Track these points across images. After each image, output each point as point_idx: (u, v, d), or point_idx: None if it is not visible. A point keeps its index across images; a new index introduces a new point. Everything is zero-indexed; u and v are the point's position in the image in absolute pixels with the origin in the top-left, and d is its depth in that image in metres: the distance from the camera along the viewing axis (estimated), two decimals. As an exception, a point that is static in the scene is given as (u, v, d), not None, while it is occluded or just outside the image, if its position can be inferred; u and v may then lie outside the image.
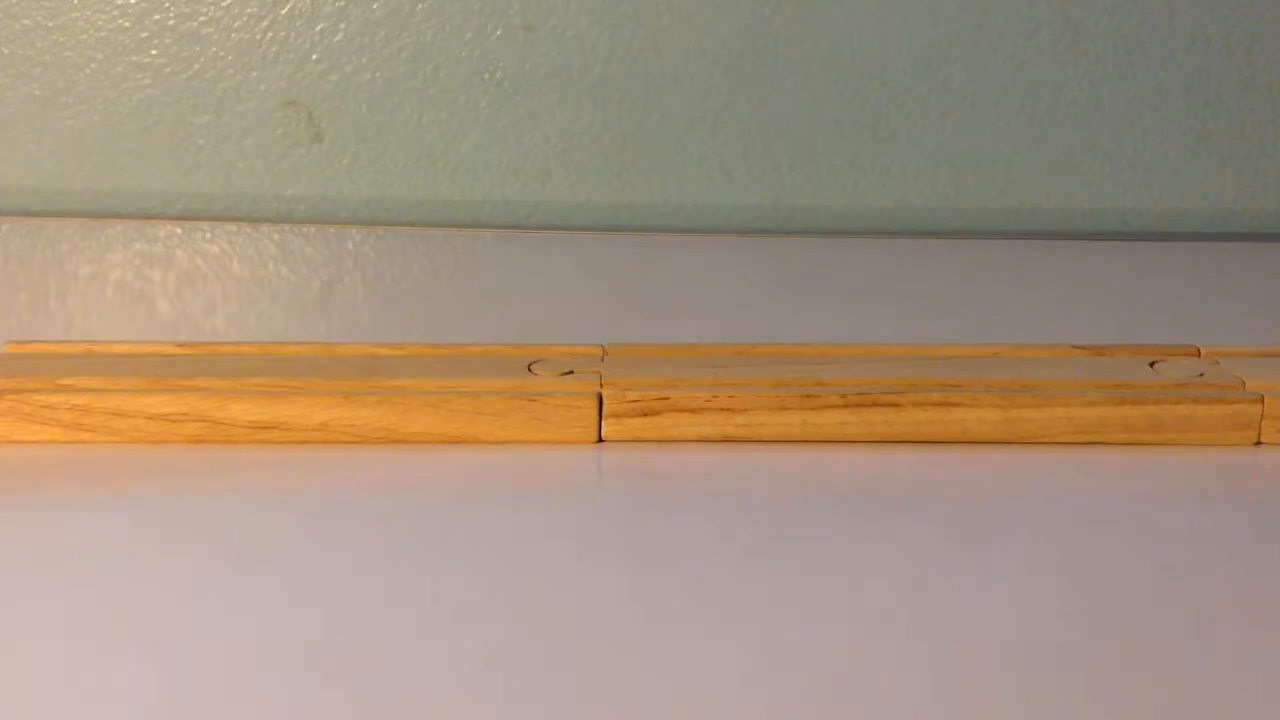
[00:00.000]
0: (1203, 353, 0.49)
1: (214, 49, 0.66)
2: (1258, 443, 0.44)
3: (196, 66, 0.66)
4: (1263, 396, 0.44)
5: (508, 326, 0.55)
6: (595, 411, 0.43)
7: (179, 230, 0.63)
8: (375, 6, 0.66)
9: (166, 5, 0.65)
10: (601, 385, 0.44)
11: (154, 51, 0.66)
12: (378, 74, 0.66)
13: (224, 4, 0.65)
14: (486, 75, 0.67)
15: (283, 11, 0.66)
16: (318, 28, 0.66)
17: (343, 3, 0.65)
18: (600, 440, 0.43)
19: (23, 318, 0.56)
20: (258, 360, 0.46)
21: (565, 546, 0.36)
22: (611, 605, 0.33)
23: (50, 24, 0.65)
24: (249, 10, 0.66)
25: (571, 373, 0.45)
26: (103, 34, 0.66)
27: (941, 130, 0.68)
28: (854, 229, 0.67)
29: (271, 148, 0.67)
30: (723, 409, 0.43)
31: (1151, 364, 0.47)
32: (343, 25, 0.66)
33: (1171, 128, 0.68)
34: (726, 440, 0.43)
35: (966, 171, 0.69)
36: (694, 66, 0.67)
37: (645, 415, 0.43)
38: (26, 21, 0.65)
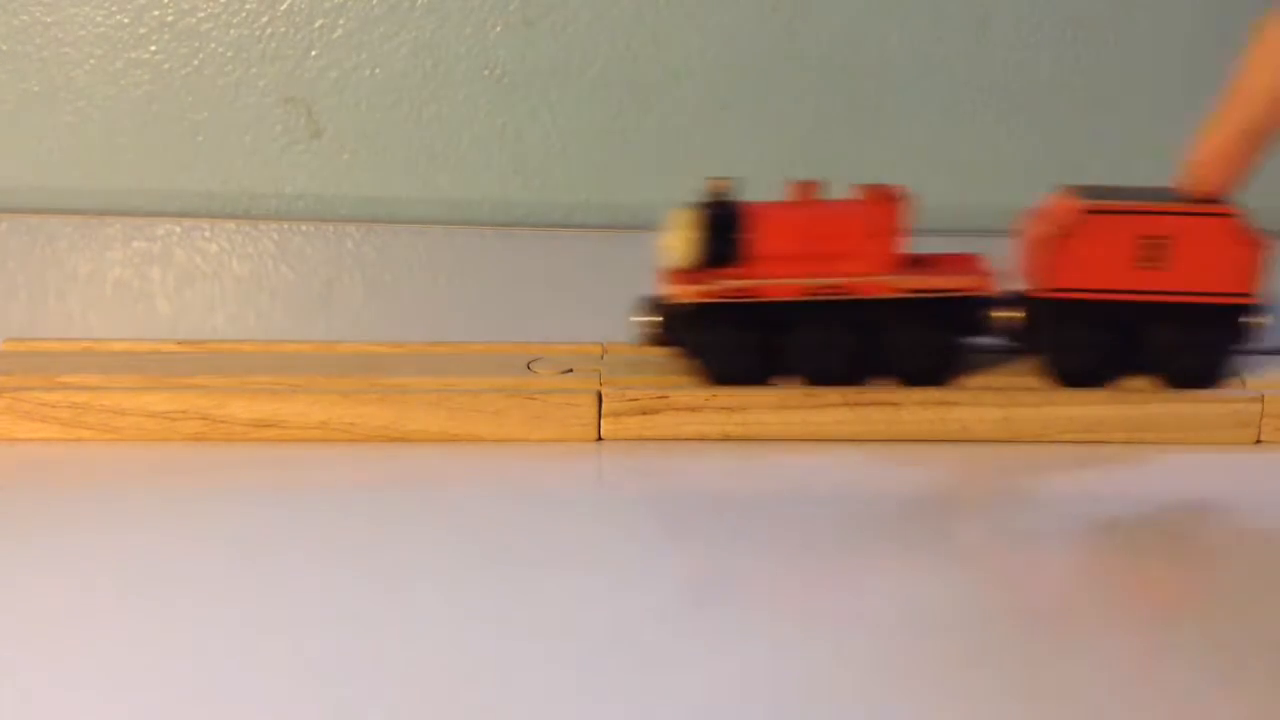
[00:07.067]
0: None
1: (213, 45, 0.66)
2: (1258, 441, 0.44)
3: (195, 63, 0.66)
4: (1262, 395, 0.44)
5: (507, 324, 0.55)
6: (595, 410, 0.43)
7: (178, 228, 0.63)
8: (375, 2, 0.66)
9: (165, 1, 0.65)
10: (601, 383, 0.44)
11: (153, 48, 0.66)
12: (377, 70, 0.66)
13: (223, 0, 0.65)
14: (486, 72, 0.67)
15: (282, 8, 0.66)
16: (317, 24, 0.66)
17: (342, -1, 0.65)
18: (599, 438, 0.43)
19: (22, 315, 0.56)
20: (257, 358, 0.46)
21: (564, 544, 0.36)
22: (610, 604, 0.33)
23: (48, 20, 0.65)
24: (248, 6, 0.65)
25: (571, 371, 0.45)
26: (101, 30, 0.65)
27: (942, 128, 0.68)
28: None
29: (271, 144, 0.67)
30: (722, 407, 0.43)
31: (1151, 363, 0.47)
32: (342, 21, 0.66)
33: (1172, 127, 0.68)
34: (726, 439, 0.43)
35: (967, 170, 0.69)
36: (694, 64, 0.67)
37: (645, 414, 0.43)
38: (24, 17, 0.65)
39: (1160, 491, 0.41)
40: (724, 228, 0.43)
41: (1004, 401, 0.43)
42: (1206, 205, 0.43)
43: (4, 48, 0.65)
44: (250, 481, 0.40)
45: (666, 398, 0.43)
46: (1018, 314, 0.44)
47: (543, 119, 0.67)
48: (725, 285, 0.43)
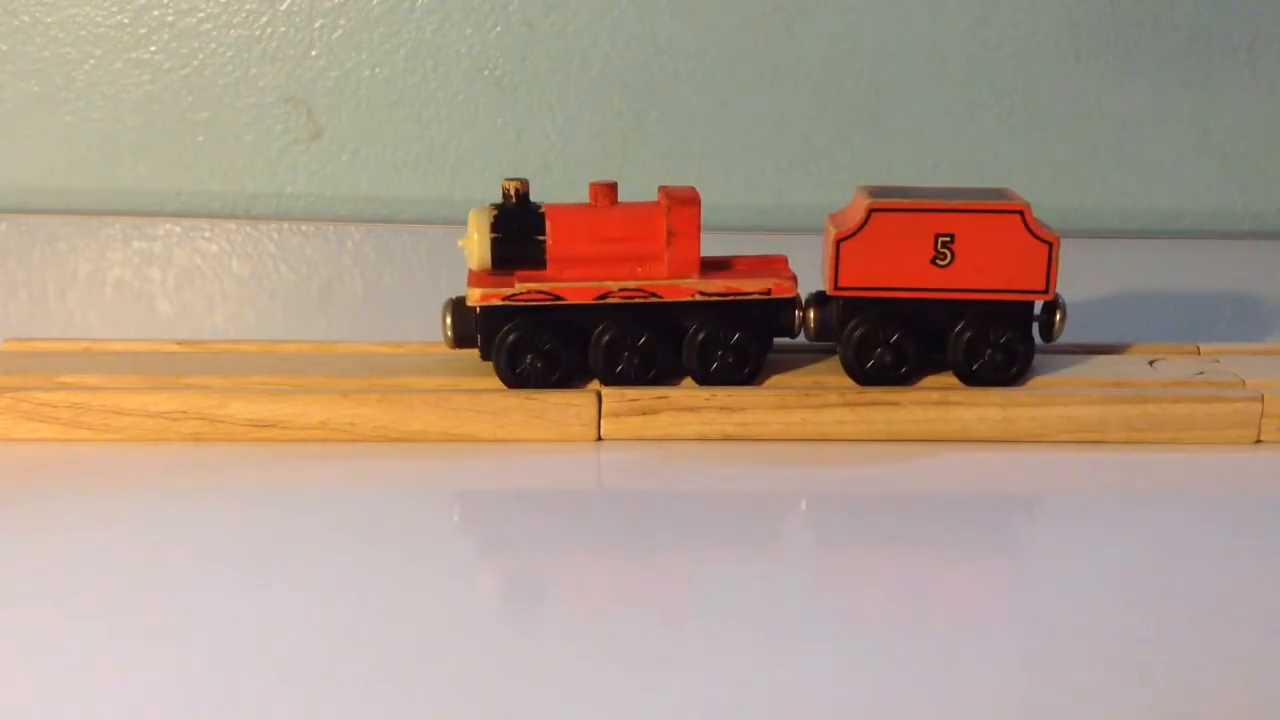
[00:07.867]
0: (1202, 351, 0.49)
1: (213, 45, 0.66)
2: (1257, 441, 0.44)
3: (195, 63, 0.66)
4: (1262, 395, 0.44)
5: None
6: (594, 410, 0.43)
7: (178, 228, 0.63)
8: (375, 3, 0.66)
9: (165, 1, 0.65)
10: (600, 384, 0.44)
11: (153, 48, 0.66)
12: (377, 70, 0.66)
13: (223, 0, 0.65)
14: (486, 72, 0.67)
15: (282, 8, 0.66)
16: (317, 24, 0.66)
17: (342, -1, 0.65)
18: (599, 439, 0.43)
19: (22, 315, 0.56)
20: (257, 358, 0.46)
21: (565, 545, 0.36)
22: (611, 603, 0.33)
23: (49, 20, 0.65)
24: (248, 6, 0.65)
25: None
26: (101, 30, 0.65)
27: (941, 128, 0.68)
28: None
29: (271, 145, 0.67)
30: (721, 408, 0.43)
31: (1151, 362, 0.47)
32: (342, 21, 0.66)
33: (1171, 128, 0.68)
34: (725, 439, 0.43)
35: (967, 170, 0.69)
36: (694, 64, 0.67)
37: (644, 414, 0.43)
38: (25, 18, 0.65)
39: (1160, 491, 0.41)
40: (519, 230, 0.43)
41: (1004, 401, 0.43)
42: (994, 203, 0.43)
43: (4, 48, 0.65)
44: (250, 482, 0.40)
45: (666, 398, 0.43)
46: (816, 314, 0.45)
47: (542, 119, 0.67)
48: (517, 288, 0.43)
